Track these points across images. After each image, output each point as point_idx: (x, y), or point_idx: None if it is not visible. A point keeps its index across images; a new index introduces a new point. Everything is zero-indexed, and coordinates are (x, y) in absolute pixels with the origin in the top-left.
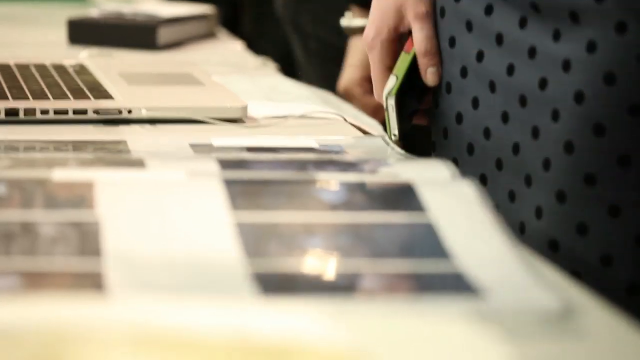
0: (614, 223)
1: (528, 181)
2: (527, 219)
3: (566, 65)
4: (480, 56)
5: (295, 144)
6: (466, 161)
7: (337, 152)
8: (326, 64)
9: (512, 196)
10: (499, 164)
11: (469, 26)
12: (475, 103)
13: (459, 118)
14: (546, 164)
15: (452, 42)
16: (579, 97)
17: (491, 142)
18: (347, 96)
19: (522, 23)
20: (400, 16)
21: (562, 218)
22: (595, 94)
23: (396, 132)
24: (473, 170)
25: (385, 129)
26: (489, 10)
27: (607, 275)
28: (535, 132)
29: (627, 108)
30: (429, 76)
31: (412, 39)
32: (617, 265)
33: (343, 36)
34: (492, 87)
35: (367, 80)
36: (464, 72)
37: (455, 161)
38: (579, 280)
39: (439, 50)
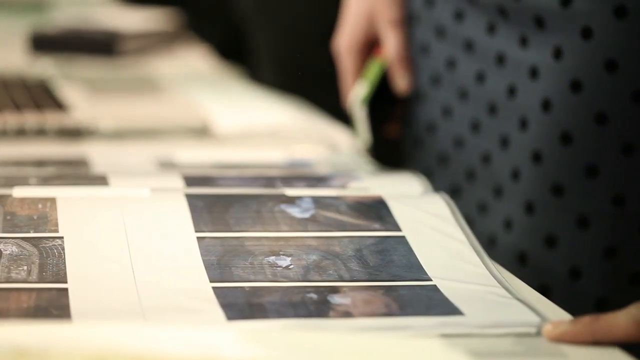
0: (583, 235)
1: (498, 192)
2: (497, 231)
3: (533, 73)
4: (451, 64)
5: (262, 159)
6: (438, 172)
7: (305, 167)
8: (288, 71)
9: (483, 208)
10: (471, 175)
11: (440, 33)
12: (446, 112)
13: (431, 128)
14: (515, 175)
15: (423, 49)
16: (546, 105)
17: (462, 153)
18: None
19: (491, 29)
20: (372, 22)
21: (531, 230)
22: (561, 101)
23: (366, 138)
24: (445, 182)
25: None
26: (459, 16)
27: (576, 289)
28: (504, 142)
29: (593, 116)
30: (400, 84)
31: (382, 46)
32: (586, 278)
33: (303, 46)
34: (463, 95)
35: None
36: (435, 81)
37: (427, 172)
38: (548, 294)
39: (410, 57)
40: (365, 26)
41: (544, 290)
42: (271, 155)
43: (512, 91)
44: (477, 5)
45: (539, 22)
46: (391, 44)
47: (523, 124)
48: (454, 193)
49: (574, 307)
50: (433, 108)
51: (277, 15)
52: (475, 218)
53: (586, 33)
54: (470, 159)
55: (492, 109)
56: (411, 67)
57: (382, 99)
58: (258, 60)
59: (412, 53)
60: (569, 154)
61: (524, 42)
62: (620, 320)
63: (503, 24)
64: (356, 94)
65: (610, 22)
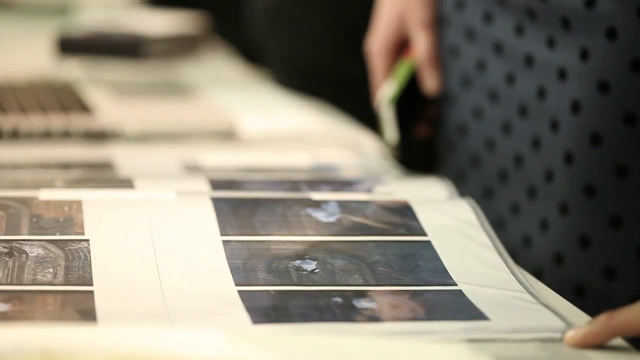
0: (616, 234)
1: (532, 193)
2: (532, 232)
3: (562, 74)
4: (481, 66)
5: (288, 162)
6: (470, 174)
7: (331, 171)
8: (299, 76)
9: (516, 209)
10: (503, 176)
11: (470, 35)
12: (477, 114)
13: (462, 130)
14: (549, 176)
15: (453, 51)
16: (575, 107)
17: (494, 154)
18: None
19: (519, 30)
20: (403, 23)
21: (566, 231)
22: (590, 103)
23: (394, 138)
24: (477, 183)
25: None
26: (488, 18)
27: (611, 289)
28: (536, 143)
29: (622, 117)
30: (430, 84)
31: (412, 46)
32: (620, 278)
33: (315, 50)
34: (493, 97)
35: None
36: (465, 82)
37: (460, 174)
38: (584, 295)
39: (440, 59)
40: (396, 27)
41: (579, 291)
42: (297, 159)
43: (541, 93)
44: (506, 6)
45: (565, 23)
46: (421, 44)
47: (554, 125)
48: (487, 194)
49: (608, 307)
50: (464, 110)
51: (295, 21)
52: (508, 219)
53: (611, 34)
54: (502, 160)
55: (523, 111)
56: (440, 68)
57: (411, 99)
58: (272, 65)
59: (442, 55)
60: (599, 155)
61: (551, 43)
62: (636, 313)
63: (531, 25)
64: (384, 93)
65: (634, 22)
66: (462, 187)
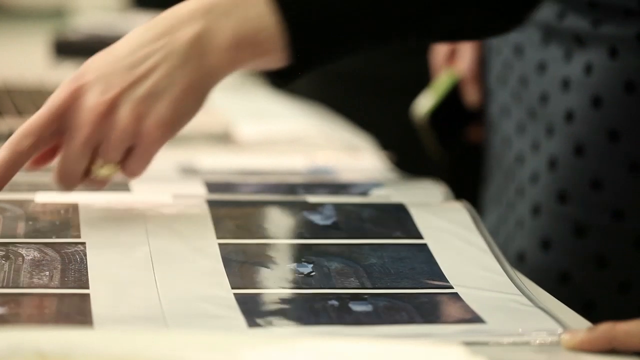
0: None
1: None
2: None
3: (596, 102)
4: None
5: (284, 165)
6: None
7: (327, 174)
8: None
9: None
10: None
11: (519, 52)
12: (535, 144)
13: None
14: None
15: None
16: (613, 136)
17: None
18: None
19: (567, 55)
20: None
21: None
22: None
23: (434, 147)
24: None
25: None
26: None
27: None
28: (552, 164)
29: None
30: (471, 98)
31: (457, 58)
32: (634, 292)
33: None
34: (532, 114)
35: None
36: (514, 96)
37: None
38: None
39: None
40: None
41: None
42: (293, 162)
43: (569, 116)
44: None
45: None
46: (467, 58)
47: (578, 150)
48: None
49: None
50: (509, 123)
51: None
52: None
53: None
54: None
55: (550, 131)
56: (481, 83)
57: (457, 107)
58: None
59: (490, 74)
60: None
61: (589, 69)
62: (638, 329)
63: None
64: (422, 104)
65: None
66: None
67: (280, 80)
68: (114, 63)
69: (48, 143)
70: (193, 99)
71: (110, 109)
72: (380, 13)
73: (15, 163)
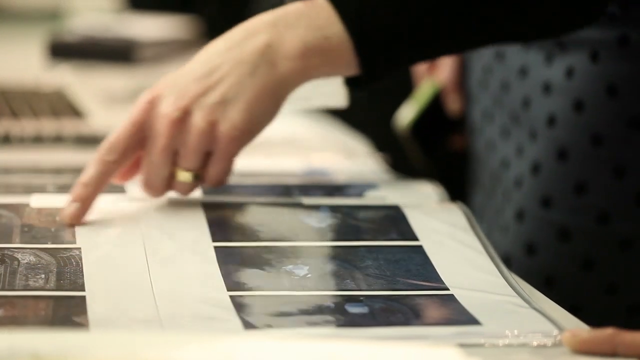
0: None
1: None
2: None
3: (579, 106)
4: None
5: (280, 167)
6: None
7: (323, 175)
8: None
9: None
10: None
11: (500, 57)
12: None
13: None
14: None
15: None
16: (596, 139)
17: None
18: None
19: (548, 59)
20: None
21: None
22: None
23: (417, 156)
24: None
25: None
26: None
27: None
28: (520, 151)
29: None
30: (453, 107)
31: (437, 68)
32: (620, 294)
33: None
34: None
35: None
36: (495, 102)
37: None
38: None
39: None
40: None
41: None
42: (288, 163)
43: (551, 121)
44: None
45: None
46: (447, 67)
47: (561, 154)
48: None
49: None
50: (493, 128)
51: None
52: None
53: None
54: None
55: (533, 136)
56: (462, 92)
57: (439, 116)
58: None
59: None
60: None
61: (570, 73)
62: None
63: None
64: (404, 115)
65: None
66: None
67: (357, 87)
68: (187, 74)
69: (131, 156)
70: (265, 105)
71: (184, 116)
72: (453, 20)
73: (102, 179)
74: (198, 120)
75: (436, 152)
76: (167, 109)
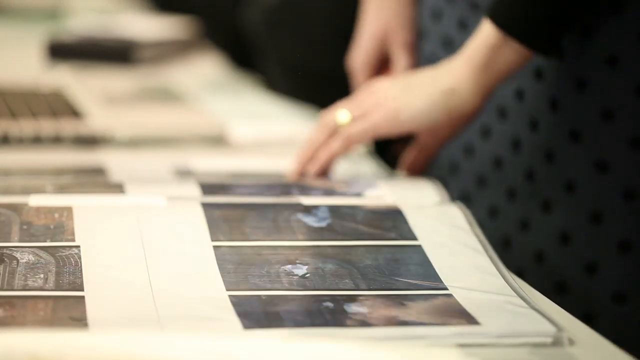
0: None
1: (512, 194)
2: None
3: (538, 74)
4: None
5: (278, 167)
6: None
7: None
8: (303, 80)
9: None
10: (482, 180)
11: (448, 43)
12: (485, 132)
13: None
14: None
15: (432, 61)
16: (554, 104)
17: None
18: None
19: None
20: (385, 43)
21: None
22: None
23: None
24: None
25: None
26: (463, 25)
27: (592, 285)
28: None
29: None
30: None
31: (392, 66)
32: (601, 273)
33: (318, 54)
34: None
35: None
36: None
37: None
38: (565, 292)
39: None
40: (378, 46)
41: (560, 288)
42: (287, 163)
43: (520, 95)
44: (479, 10)
45: None
46: (402, 65)
47: (533, 124)
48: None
49: (590, 303)
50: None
51: (289, 25)
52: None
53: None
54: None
55: (502, 114)
56: None
57: None
58: (271, 69)
59: (420, 65)
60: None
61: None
62: None
63: None
64: None
65: None
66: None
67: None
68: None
69: None
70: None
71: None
72: None
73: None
74: None
75: (387, 154)
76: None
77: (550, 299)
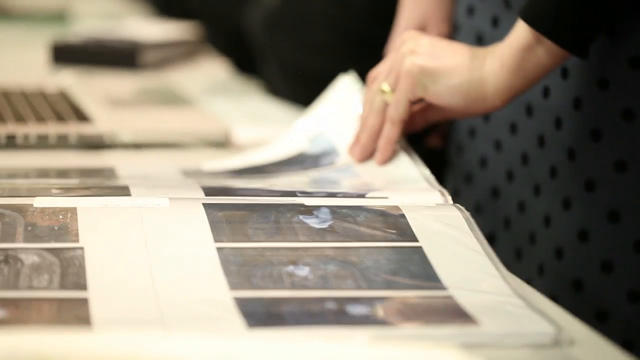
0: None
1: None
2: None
3: (564, 73)
4: None
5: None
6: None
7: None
8: (302, 83)
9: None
10: (510, 175)
11: (479, 39)
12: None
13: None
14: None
15: None
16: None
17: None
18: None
19: None
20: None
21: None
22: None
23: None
24: (486, 184)
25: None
26: (495, 22)
27: (608, 283)
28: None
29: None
30: None
31: None
32: (617, 272)
33: (317, 57)
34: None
35: None
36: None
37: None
38: (582, 290)
39: None
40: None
41: (578, 285)
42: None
43: (546, 92)
44: (512, 9)
45: None
46: None
47: (558, 122)
48: (494, 194)
49: (606, 301)
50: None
51: (289, 29)
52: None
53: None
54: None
55: (528, 111)
56: None
57: None
58: (271, 72)
59: None
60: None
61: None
62: None
63: None
64: None
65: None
66: (470, 189)
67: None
68: None
69: None
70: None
71: None
72: None
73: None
74: None
75: (414, 150)
76: None
77: (566, 296)
